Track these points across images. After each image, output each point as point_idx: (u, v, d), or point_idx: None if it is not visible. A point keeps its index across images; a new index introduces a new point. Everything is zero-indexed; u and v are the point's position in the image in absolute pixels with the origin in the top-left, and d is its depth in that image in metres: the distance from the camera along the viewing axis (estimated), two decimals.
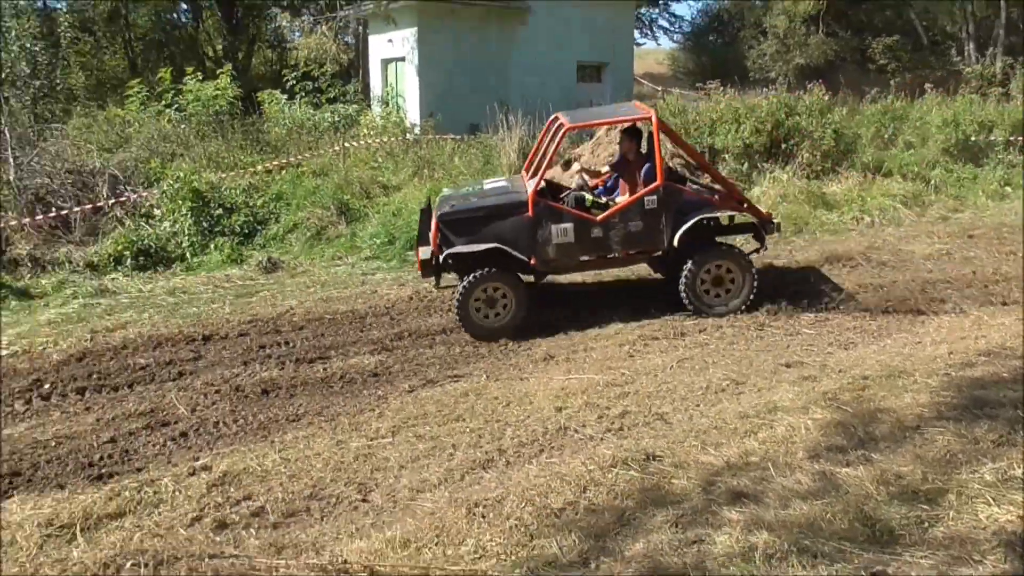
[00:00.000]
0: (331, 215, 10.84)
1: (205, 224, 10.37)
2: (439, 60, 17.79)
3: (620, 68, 20.84)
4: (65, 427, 5.40)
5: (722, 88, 14.21)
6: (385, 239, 10.14)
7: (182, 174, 10.76)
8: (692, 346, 6.37)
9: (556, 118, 7.48)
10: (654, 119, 6.80)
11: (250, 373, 6.24)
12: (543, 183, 7.16)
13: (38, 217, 10.04)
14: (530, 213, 6.74)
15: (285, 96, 16.54)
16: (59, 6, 20.72)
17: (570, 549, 3.41)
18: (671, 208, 6.82)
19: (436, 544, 3.61)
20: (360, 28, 20.89)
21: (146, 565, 3.56)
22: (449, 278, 7.29)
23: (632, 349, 6.34)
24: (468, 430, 4.96)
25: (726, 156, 12.51)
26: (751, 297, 6.95)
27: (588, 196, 7.10)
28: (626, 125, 7.52)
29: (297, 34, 23.14)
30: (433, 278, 7.17)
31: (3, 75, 13.58)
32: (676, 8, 68.81)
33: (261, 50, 26.88)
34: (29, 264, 9.27)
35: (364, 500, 4.23)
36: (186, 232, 10.16)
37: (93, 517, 4.07)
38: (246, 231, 10.57)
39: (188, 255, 9.91)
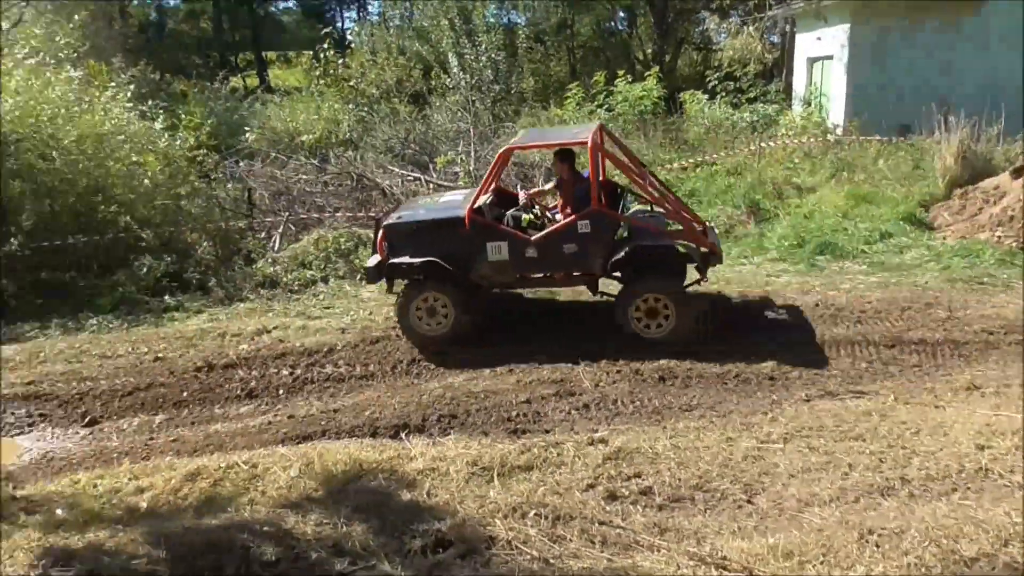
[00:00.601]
0: (741, 214, 10.80)
1: None
2: (871, 57, 16.46)
3: None
4: (492, 384, 6.23)
5: None
6: (794, 241, 9.80)
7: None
8: None
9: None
10: (589, 144, 6.64)
11: (650, 359, 6.48)
12: (482, 200, 7.12)
13: None
14: (466, 229, 6.72)
15: (706, 96, 16.79)
16: (519, 21, 23.45)
17: None
18: (607, 234, 6.74)
19: (821, 562, 3.49)
20: (787, 27, 20.24)
21: (546, 517, 3.98)
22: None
23: None
24: (868, 451, 4.64)
25: None
26: (688, 330, 6.67)
27: (525, 216, 7.09)
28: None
29: (723, 35, 23.23)
30: (378, 284, 7.42)
31: (473, 81, 15.88)
32: None
33: (687, 52, 27.54)
34: None
35: (749, 501, 4.21)
36: None
37: (508, 466, 4.63)
38: None
39: None
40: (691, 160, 13.11)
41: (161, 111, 12.88)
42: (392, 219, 7.24)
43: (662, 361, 6.40)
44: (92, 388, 6.73)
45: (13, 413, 6.47)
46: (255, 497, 4.39)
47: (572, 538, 3.79)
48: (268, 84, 30.42)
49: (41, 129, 10.41)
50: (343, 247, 10.09)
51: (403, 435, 5.44)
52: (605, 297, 7.28)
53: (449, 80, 17.02)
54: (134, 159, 11.07)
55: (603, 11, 25.65)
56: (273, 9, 43.34)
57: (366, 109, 16.04)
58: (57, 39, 14.25)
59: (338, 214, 11.27)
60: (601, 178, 7.10)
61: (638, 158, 8.15)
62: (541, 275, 7.11)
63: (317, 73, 17.86)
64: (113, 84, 12.52)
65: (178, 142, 12.25)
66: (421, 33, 21.50)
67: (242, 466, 4.78)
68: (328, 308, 8.61)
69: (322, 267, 9.77)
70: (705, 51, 26.89)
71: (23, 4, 19.28)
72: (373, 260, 7.19)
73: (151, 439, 5.88)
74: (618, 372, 6.26)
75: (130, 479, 4.83)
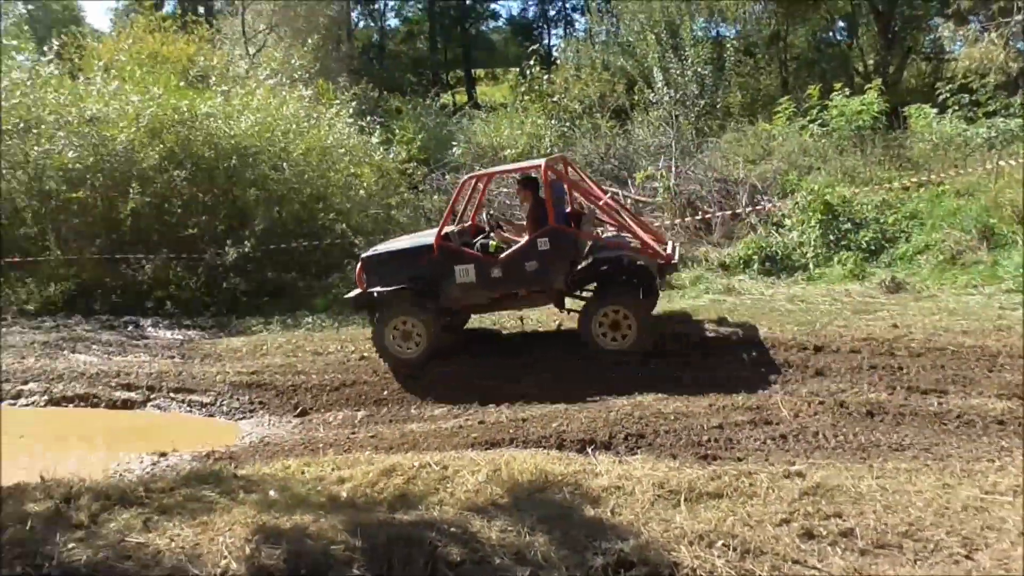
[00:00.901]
0: (971, 239, 9.80)
1: (831, 237, 10.41)
2: None
3: None
4: (683, 405, 6.05)
5: None
6: None
7: (816, 187, 10.99)
8: None
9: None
10: (542, 168, 7.08)
11: (856, 391, 6.07)
12: (449, 228, 7.41)
13: (687, 219, 11.37)
14: (435, 255, 7.08)
15: (935, 110, 15.42)
16: (728, 34, 22.75)
17: None
18: (567, 250, 7.10)
19: None
20: None
21: (734, 549, 3.78)
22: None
23: None
24: None
25: None
26: (646, 341, 7.04)
27: (492, 242, 7.43)
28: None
29: (959, 44, 21.23)
30: (366, 313, 7.85)
31: (677, 96, 15.65)
32: None
33: (915, 63, 25.46)
34: None
35: (968, 557, 3.76)
36: (812, 243, 10.35)
37: (696, 491, 4.44)
38: (872, 248, 10.28)
39: (811, 266, 10.09)
40: (914, 179, 12.08)
41: (377, 126, 13.83)
42: (369, 252, 7.69)
43: (871, 395, 5.95)
44: (304, 381, 7.32)
45: (238, 399, 7.17)
46: (444, 498, 4.53)
47: (762, 574, 3.57)
48: (476, 100, 31.70)
49: (275, 142, 11.52)
50: None
51: (589, 450, 5.42)
52: (572, 313, 7.61)
53: (653, 95, 16.85)
54: (352, 171, 11.97)
55: (820, 21, 24.31)
56: (484, 28, 45.20)
57: (568, 124, 16.26)
58: (293, 61, 15.71)
59: None
60: (569, 209, 7.71)
61: (599, 185, 8.89)
62: (509, 294, 7.38)
63: (522, 89, 18.34)
64: (337, 102, 13.60)
65: (391, 155, 13.08)
66: (626, 48, 21.46)
67: (434, 466, 4.97)
68: (522, 318, 8.78)
69: None
70: (936, 61, 24.75)
71: (267, 32, 21.46)
72: (355, 292, 7.62)
73: (353, 433, 6.28)
74: (821, 403, 5.86)
75: (333, 469, 5.17)
